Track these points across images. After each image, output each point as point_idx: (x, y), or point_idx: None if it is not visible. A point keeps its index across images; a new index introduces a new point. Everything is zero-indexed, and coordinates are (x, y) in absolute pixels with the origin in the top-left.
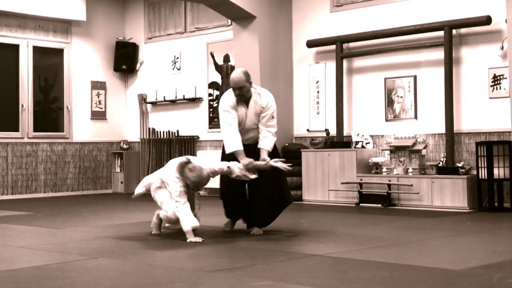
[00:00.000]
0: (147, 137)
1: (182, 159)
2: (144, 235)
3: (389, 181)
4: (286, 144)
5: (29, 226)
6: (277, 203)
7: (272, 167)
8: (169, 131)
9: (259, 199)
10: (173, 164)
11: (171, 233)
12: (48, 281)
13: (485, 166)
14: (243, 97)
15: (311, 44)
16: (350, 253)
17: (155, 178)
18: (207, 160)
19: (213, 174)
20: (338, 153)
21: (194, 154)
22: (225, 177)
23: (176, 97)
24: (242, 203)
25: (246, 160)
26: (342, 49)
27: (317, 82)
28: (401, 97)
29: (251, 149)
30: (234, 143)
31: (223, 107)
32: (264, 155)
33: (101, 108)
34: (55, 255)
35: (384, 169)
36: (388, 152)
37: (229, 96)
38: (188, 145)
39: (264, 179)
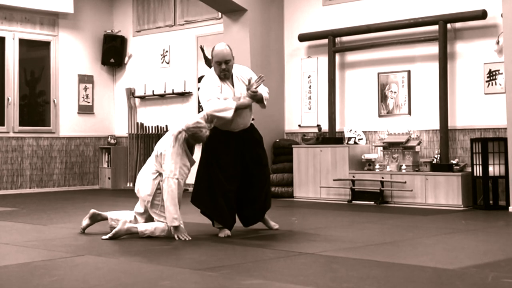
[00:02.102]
0: (135, 132)
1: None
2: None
3: (382, 178)
4: (277, 140)
5: (14, 223)
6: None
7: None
8: (157, 126)
9: (257, 199)
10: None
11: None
12: (35, 279)
13: (480, 163)
14: (228, 73)
15: (303, 38)
16: (342, 251)
17: (151, 185)
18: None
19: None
20: (330, 149)
21: None
22: (212, 189)
23: (165, 92)
24: (234, 211)
25: (237, 99)
26: (334, 43)
27: (309, 77)
28: (395, 92)
29: (242, 136)
30: (228, 103)
31: (210, 93)
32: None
33: (89, 102)
34: (41, 252)
35: (377, 166)
36: (381, 148)
37: (212, 81)
38: None
39: (260, 180)
